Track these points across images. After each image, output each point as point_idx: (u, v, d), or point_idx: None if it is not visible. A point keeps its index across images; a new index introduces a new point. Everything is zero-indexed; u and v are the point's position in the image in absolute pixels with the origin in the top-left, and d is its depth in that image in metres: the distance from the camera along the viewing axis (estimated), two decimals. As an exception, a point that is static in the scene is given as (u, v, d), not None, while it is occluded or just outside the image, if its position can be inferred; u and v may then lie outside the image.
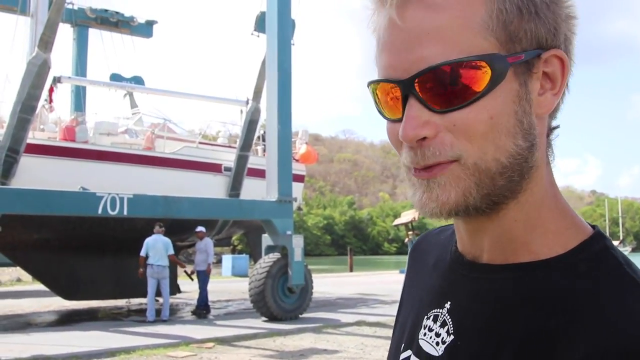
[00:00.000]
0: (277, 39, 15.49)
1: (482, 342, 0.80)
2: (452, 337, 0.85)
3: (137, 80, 23.43)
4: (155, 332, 12.83)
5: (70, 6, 22.24)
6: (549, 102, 0.79)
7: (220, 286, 23.63)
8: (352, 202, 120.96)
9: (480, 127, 0.74)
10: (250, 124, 18.19)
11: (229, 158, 19.44)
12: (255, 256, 19.75)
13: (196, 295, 16.45)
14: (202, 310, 15.89)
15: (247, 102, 19.04)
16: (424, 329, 0.90)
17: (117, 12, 24.56)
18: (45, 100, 18.08)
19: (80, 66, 24.04)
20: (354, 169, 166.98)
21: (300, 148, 21.74)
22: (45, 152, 16.34)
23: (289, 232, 15.06)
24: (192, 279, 16.65)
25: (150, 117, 22.41)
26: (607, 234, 0.84)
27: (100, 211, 13.18)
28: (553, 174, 0.84)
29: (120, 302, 18.46)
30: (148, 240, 14.60)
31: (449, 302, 0.88)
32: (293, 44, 16.23)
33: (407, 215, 12.60)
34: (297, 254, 14.83)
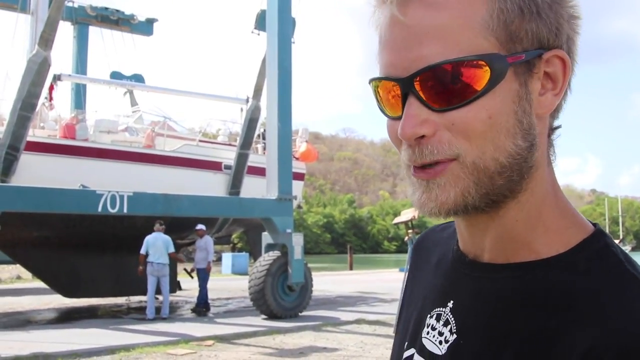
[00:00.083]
0: (277, 37, 15.48)
1: (484, 341, 0.80)
2: (455, 336, 0.85)
3: (138, 78, 23.43)
4: (155, 329, 12.84)
5: (70, 4, 22.25)
6: (549, 103, 0.79)
7: (220, 284, 23.64)
8: (352, 200, 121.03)
9: (479, 126, 0.74)
10: (251, 122, 18.19)
11: (229, 156, 19.44)
12: (255, 254, 19.76)
13: (196, 293, 16.47)
14: (201, 308, 15.90)
15: (248, 100, 19.04)
16: (427, 327, 0.91)
17: (117, 10, 24.56)
18: (46, 98, 18.08)
19: (81, 64, 24.04)
20: (354, 167, 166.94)
21: (300, 146, 21.73)
22: (45, 150, 16.34)
23: (288, 230, 15.06)
24: (192, 277, 16.65)
25: (150, 115, 22.44)
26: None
27: (100, 209, 13.19)
28: (554, 173, 0.84)
29: (120, 300, 18.47)
30: (148, 238, 14.60)
31: (451, 301, 0.88)
32: (293, 42, 16.22)
33: (407, 214, 12.51)
34: (297, 252, 14.83)
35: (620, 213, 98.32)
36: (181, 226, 17.15)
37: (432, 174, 0.77)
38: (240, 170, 18.78)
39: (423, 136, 0.75)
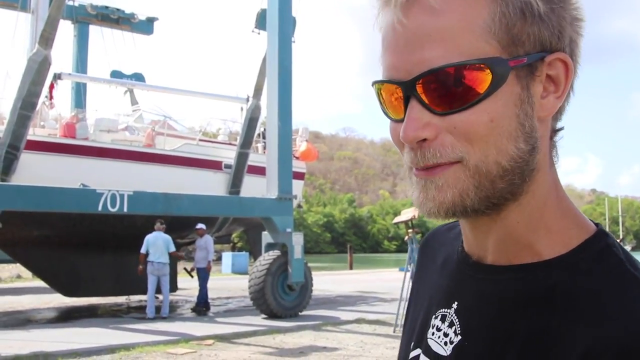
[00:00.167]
0: (277, 36, 15.48)
1: (487, 342, 0.81)
2: (459, 337, 0.86)
3: (138, 77, 23.43)
4: (155, 329, 12.85)
5: (71, 3, 22.24)
6: (551, 105, 0.79)
7: (220, 283, 23.64)
8: (352, 199, 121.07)
9: (481, 129, 0.74)
10: (251, 122, 18.18)
11: (229, 155, 19.43)
12: (255, 254, 19.76)
13: (196, 293, 16.47)
14: (201, 307, 15.90)
15: (248, 100, 19.03)
16: (433, 328, 0.91)
17: (117, 9, 24.56)
18: (46, 96, 18.08)
19: (81, 63, 24.04)
20: (354, 167, 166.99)
21: (300, 145, 21.72)
22: (45, 149, 16.33)
23: (288, 230, 15.06)
24: (192, 276, 16.65)
25: (150, 114, 22.41)
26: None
27: (100, 208, 13.19)
28: (557, 175, 0.85)
29: (120, 299, 18.48)
30: (148, 238, 14.61)
31: (456, 302, 0.89)
32: (294, 42, 16.22)
33: (407, 213, 12.50)
34: (297, 251, 14.84)
35: (620, 213, 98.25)
36: (181, 225, 17.15)
37: (431, 173, 0.77)
38: (240, 169, 18.77)
39: (425, 139, 0.76)
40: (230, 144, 21.33)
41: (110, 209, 13.26)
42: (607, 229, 0.83)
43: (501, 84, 0.74)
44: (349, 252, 43.12)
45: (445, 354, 0.87)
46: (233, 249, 52.70)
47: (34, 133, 16.07)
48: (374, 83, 0.82)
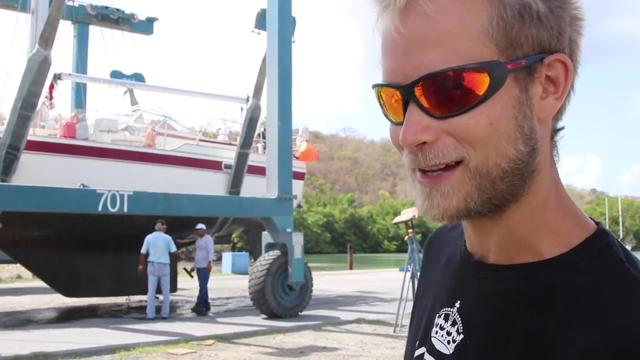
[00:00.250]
0: (277, 36, 15.48)
1: (488, 341, 0.81)
2: (462, 336, 0.86)
3: (138, 78, 23.42)
4: (155, 329, 12.85)
5: (70, 3, 22.25)
6: (551, 106, 0.79)
7: (220, 283, 23.64)
8: (352, 199, 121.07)
9: (481, 132, 0.75)
10: (251, 122, 18.18)
11: (229, 155, 19.43)
12: (255, 254, 19.76)
13: (196, 293, 16.47)
14: (202, 307, 15.90)
15: (248, 100, 19.03)
16: (436, 327, 0.92)
17: (117, 9, 24.57)
18: (46, 97, 18.08)
19: (81, 63, 24.05)
20: (354, 167, 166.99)
21: (300, 145, 21.72)
22: (45, 149, 16.33)
23: (289, 230, 15.07)
24: (191, 276, 16.66)
25: (150, 114, 22.41)
26: (608, 231, 0.84)
27: (100, 208, 13.19)
28: (558, 174, 0.85)
29: (120, 299, 18.48)
30: (149, 238, 14.60)
31: (458, 302, 0.90)
32: (293, 42, 16.22)
33: (407, 213, 12.50)
34: (297, 251, 14.84)
35: (620, 213, 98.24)
36: (181, 225, 17.15)
37: (437, 181, 0.78)
38: (240, 169, 18.77)
39: (425, 142, 0.76)
40: (230, 144, 21.33)
41: (110, 209, 13.26)
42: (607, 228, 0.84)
43: (499, 87, 0.74)
44: (349, 252, 43.11)
45: (448, 353, 0.88)
46: (233, 249, 52.73)
47: (34, 133, 16.07)
48: (374, 86, 0.82)
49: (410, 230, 12.64)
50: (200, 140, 20.86)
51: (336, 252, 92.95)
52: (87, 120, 19.11)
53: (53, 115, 19.19)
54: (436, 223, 0.83)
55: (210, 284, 16.47)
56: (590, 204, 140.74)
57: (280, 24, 15.50)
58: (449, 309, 0.91)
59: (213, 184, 18.80)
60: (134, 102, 22.97)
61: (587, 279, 0.76)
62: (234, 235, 32.55)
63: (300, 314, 14.89)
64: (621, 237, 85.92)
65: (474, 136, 0.75)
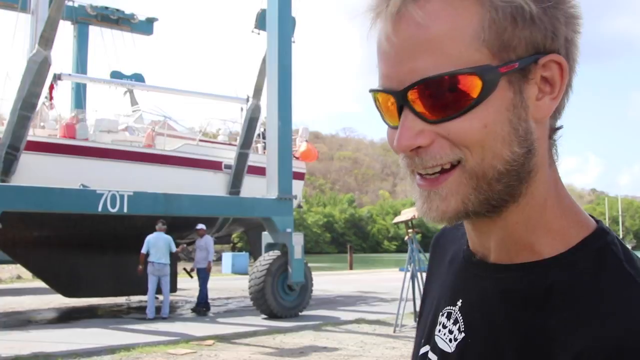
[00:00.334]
0: (277, 36, 15.48)
1: (488, 340, 0.82)
2: (463, 334, 0.87)
3: (138, 78, 23.42)
4: (155, 329, 12.85)
5: (70, 3, 22.25)
6: (547, 107, 0.79)
7: (220, 284, 23.65)
8: (352, 200, 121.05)
9: (475, 135, 0.75)
10: (251, 122, 18.19)
11: (229, 156, 19.44)
12: (255, 254, 19.75)
13: (196, 293, 16.47)
14: (202, 307, 15.90)
15: (248, 100, 19.05)
16: (439, 325, 0.93)
17: (117, 10, 24.57)
18: (46, 97, 18.08)
19: (81, 63, 24.05)
20: (354, 167, 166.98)
21: (300, 146, 21.71)
22: (45, 150, 16.33)
23: (289, 230, 15.07)
24: (191, 277, 16.66)
25: (150, 115, 22.40)
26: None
27: (100, 209, 13.19)
28: (558, 173, 0.85)
29: (120, 300, 18.48)
30: (149, 238, 14.61)
31: (460, 300, 0.90)
32: (293, 42, 16.24)
33: (407, 213, 12.50)
34: (297, 251, 14.84)
35: (620, 212, 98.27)
36: (181, 226, 17.16)
37: (435, 184, 0.78)
38: (240, 169, 18.78)
39: (420, 147, 0.77)
40: (230, 144, 21.34)
41: (110, 209, 13.26)
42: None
43: (492, 91, 0.75)
44: (349, 252, 43.09)
45: (450, 351, 0.88)
46: (233, 249, 52.76)
47: (34, 134, 16.07)
48: (370, 91, 0.83)
49: (410, 230, 12.65)
50: (200, 140, 20.85)
51: (336, 252, 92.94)
52: (87, 121, 19.13)
53: (53, 116, 19.18)
54: (436, 225, 0.83)
55: (210, 284, 16.47)
56: (590, 204, 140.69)
57: (280, 24, 15.51)
58: (452, 307, 0.91)
59: (213, 184, 18.80)
60: (133, 102, 22.97)
61: (584, 279, 0.76)
62: (234, 236, 32.55)
63: (300, 314, 14.90)
64: (621, 236, 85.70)
65: (468, 139, 0.75)
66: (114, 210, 13.34)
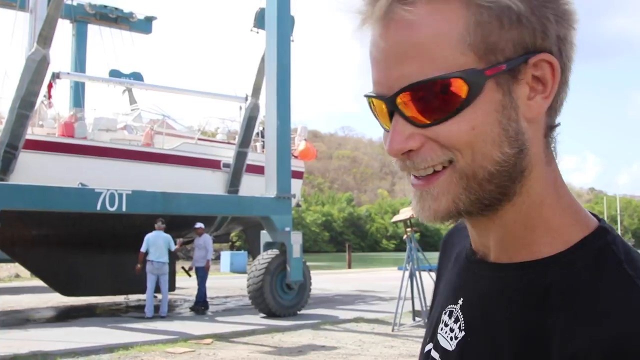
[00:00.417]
0: (276, 35, 15.48)
1: (487, 339, 0.82)
2: (463, 332, 0.87)
3: (136, 77, 23.42)
4: (153, 328, 12.85)
5: (69, 2, 22.20)
6: (539, 106, 0.79)
7: (218, 282, 23.63)
8: (351, 198, 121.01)
9: (463, 137, 0.76)
10: (249, 121, 18.18)
11: (227, 154, 19.43)
12: (253, 253, 19.75)
13: (195, 292, 16.46)
14: (200, 306, 15.89)
15: (246, 99, 19.01)
16: (442, 323, 0.94)
17: (116, 8, 24.55)
18: (44, 96, 18.06)
19: (80, 62, 24.03)
20: (353, 166, 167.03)
21: (299, 144, 21.71)
22: (44, 148, 16.32)
23: (287, 229, 15.07)
24: (189, 275, 16.65)
25: (149, 113, 22.37)
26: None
27: (99, 207, 13.17)
28: (557, 171, 0.84)
29: (119, 299, 18.47)
30: (149, 237, 14.60)
31: (462, 299, 0.91)
32: (292, 41, 16.22)
33: (406, 212, 12.50)
34: (296, 250, 14.84)
35: (618, 212, 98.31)
36: (180, 224, 17.15)
37: (427, 184, 0.80)
38: (239, 168, 18.78)
39: (411, 150, 0.78)
40: (229, 143, 21.33)
41: (108, 208, 13.25)
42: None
43: (477, 94, 0.75)
44: (348, 251, 43.09)
45: (451, 349, 0.89)
46: (232, 248, 52.69)
47: (33, 132, 16.07)
48: (365, 96, 0.84)
49: (408, 229, 12.65)
50: (199, 139, 20.85)
51: (335, 251, 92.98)
52: (86, 119, 19.12)
53: (51, 114, 19.17)
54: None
55: (208, 283, 16.46)
56: (588, 203, 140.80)
57: (279, 23, 15.50)
58: (454, 305, 0.92)
59: (212, 183, 18.79)
60: (132, 101, 22.96)
61: (582, 279, 0.76)
62: (232, 234, 32.54)
63: (298, 313, 14.90)
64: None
65: (457, 142, 0.76)
66: (113, 209, 13.33)
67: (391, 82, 0.77)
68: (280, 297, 14.57)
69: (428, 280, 12.88)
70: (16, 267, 26.45)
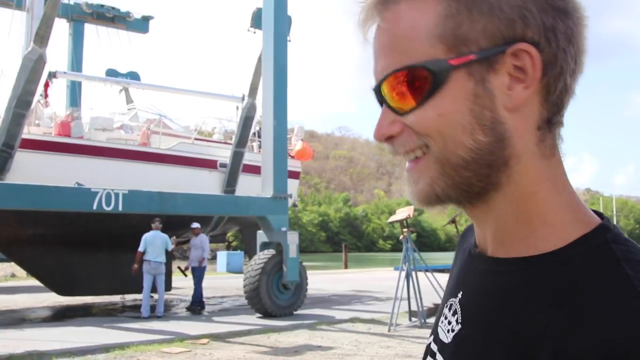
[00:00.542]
0: (273, 35, 15.48)
1: (481, 333, 0.82)
2: (459, 326, 0.88)
3: (133, 76, 23.41)
4: (149, 328, 12.83)
5: (66, 1, 22.18)
6: (519, 96, 0.78)
7: (215, 282, 23.63)
8: (347, 199, 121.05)
9: (430, 124, 0.79)
10: (246, 121, 18.18)
11: (224, 154, 19.43)
12: (250, 253, 19.77)
13: (191, 292, 16.45)
14: (196, 306, 15.88)
15: (243, 99, 19.02)
16: (442, 316, 0.95)
17: (113, 8, 24.57)
18: (41, 95, 18.06)
19: (76, 61, 24.02)
20: (349, 166, 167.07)
21: (295, 144, 21.72)
22: (40, 148, 16.30)
23: (284, 229, 15.06)
24: (185, 275, 16.64)
25: (145, 113, 22.35)
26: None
27: (95, 207, 13.15)
28: (558, 168, 0.83)
29: (115, 298, 18.45)
30: (146, 236, 14.58)
31: (461, 292, 0.92)
32: (289, 41, 16.23)
33: (402, 213, 12.52)
34: (292, 250, 14.84)
35: (614, 212, 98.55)
36: (176, 224, 17.14)
37: (412, 168, 0.84)
38: (235, 168, 18.78)
39: (392, 136, 0.84)
40: (225, 142, 21.33)
41: (105, 207, 13.23)
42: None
43: (442, 83, 0.78)
44: (344, 251, 43.04)
45: (447, 342, 0.90)
46: (228, 248, 52.63)
47: (29, 131, 16.04)
48: (372, 88, 0.88)
49: (405, 230, 12.66)
50: (196, 139, 20.85)
51: (331, 251, 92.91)
52: (82, 119, 19.09)
53: (48, 114, 19.16)
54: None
55: (205, 283, 16.46)
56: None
57: (276, 22, 15.50)
58: (454, 299, 0.93)
59: (208, 183, 18.79)
60: (129, 100, 22.95)
61: (579, 276, 0.75)
62: (229, 234, 32.48)
63: (295, 313, 14.90)
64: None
65: (426, 128, 0.80)
66: (109, 209, 13.32)
67: (377, 75, 0.84)
68: (276, 297, 14.57)
69: (424, 280, 12.91)
70: (12, 267, 26.42)
